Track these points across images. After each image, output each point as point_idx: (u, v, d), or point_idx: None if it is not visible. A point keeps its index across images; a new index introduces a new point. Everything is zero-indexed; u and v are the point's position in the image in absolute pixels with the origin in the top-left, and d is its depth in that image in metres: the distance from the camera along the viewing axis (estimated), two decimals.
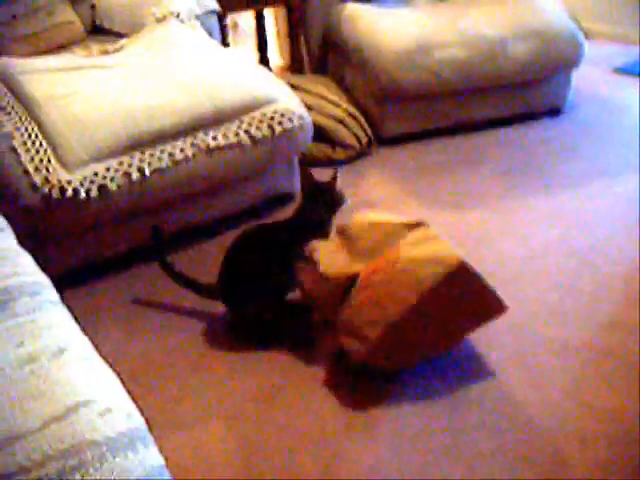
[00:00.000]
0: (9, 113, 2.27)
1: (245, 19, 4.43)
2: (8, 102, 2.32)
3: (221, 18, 3.49)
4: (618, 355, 1.87)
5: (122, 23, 3.19)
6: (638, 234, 2.37)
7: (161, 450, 1.05)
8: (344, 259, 1.86)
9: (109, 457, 0.95)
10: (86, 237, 2.25)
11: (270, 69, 3.72)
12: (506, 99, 3.27)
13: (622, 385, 1.77)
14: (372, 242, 1.86)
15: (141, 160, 2.20)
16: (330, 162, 2.92)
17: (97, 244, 2.29)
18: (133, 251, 2.35)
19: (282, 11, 3.97)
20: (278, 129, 2.39)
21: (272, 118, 2.40)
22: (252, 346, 1.97)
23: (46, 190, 2.06)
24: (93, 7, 3.34)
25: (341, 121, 3.05)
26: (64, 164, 2.12)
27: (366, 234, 1.89)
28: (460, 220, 2.54)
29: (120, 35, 3.10)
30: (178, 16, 3.03)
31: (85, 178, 2.11)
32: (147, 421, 1.08)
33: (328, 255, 1.87)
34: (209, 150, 2.29)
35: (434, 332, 1.75)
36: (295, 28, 3.80)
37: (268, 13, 4.11)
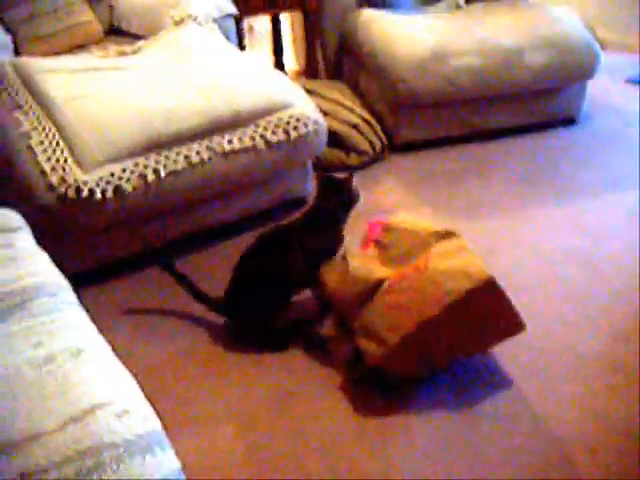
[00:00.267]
0: (27, 112, 2.28)
1: (261, 23, 4.45)
2: (26, 101, 2.33)
3: (238, 21, 3.51)
4: (630, 367, 1.86)
5: (140, 25, 3.21)
6: None
7: None
8: (374, 263, 1.89)
9: (126, 459, 0.95)
10: (100, 237, 2.26)
11: (285, 73, 3.72)
12: (521, 108, 3.27)
13: (633, 397, 1.76)
14: (404, 249, 1.88)
15: (157, 162, 2.20)
16: (344, 167, 2.92)
17: (111, 245, 2.30)
18: (147, 253, 2.35)
19: (298, 16, 3.99)
20: (293, 134, 2.40)
21: (288, 123, 2.40)
22: (264, 351, 1.97)
23: (62, 190, 2.06)
24: (111, 8, 3.36)
25: (355, 127, 3.05)
26: (80, 164, 2.13)
27: (398, 242, 1.92)
28: (473, 228, 2.53)
29: (138, 37, 3.12)
30: (196, 19, 3.05)
31: (101, 178, 2.11)
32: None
33: (359, 258, 1.91)
34: (225, 153, 2.30)
35: (452, 345, 1.76)
36: (311, 33, 3.82)
37: (284, 17, 4.13)
